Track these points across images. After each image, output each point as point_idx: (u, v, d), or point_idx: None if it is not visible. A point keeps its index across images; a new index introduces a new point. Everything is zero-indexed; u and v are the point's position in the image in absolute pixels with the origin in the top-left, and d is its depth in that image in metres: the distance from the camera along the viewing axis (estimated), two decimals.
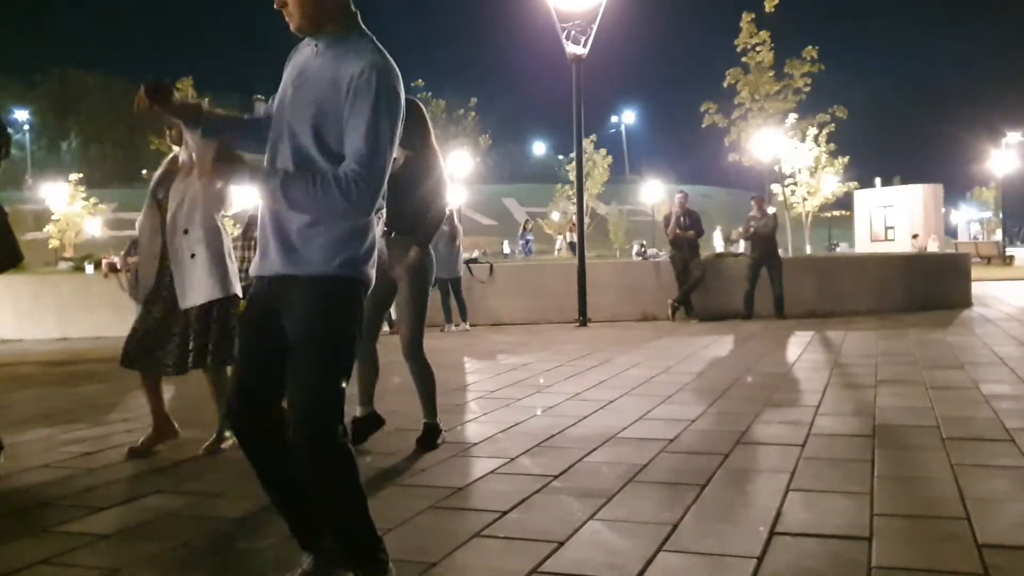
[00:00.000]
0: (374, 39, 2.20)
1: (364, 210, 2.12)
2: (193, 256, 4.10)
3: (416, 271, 4.09)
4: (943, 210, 39.66)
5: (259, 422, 2.28)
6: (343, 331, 2.20)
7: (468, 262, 12.43)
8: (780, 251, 12.40)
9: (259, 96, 2.53)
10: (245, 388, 2.30)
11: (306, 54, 2.24)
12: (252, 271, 2.32)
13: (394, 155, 2.17)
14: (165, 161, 4.41)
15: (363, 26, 2.22)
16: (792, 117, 25.00)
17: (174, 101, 2.20)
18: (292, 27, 2.19)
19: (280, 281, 2.20)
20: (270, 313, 2.24)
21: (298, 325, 2.18)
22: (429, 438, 4.20)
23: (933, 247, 29.33)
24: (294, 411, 2.17)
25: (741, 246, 14.72)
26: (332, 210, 2.11)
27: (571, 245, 17.45)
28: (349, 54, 2.13)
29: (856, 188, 34.34)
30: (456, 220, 11.74)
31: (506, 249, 20.70)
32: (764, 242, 11.72)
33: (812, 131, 26.35)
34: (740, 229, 13.21)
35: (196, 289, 4.10)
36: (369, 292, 2.30)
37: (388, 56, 2.17)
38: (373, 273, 2.28)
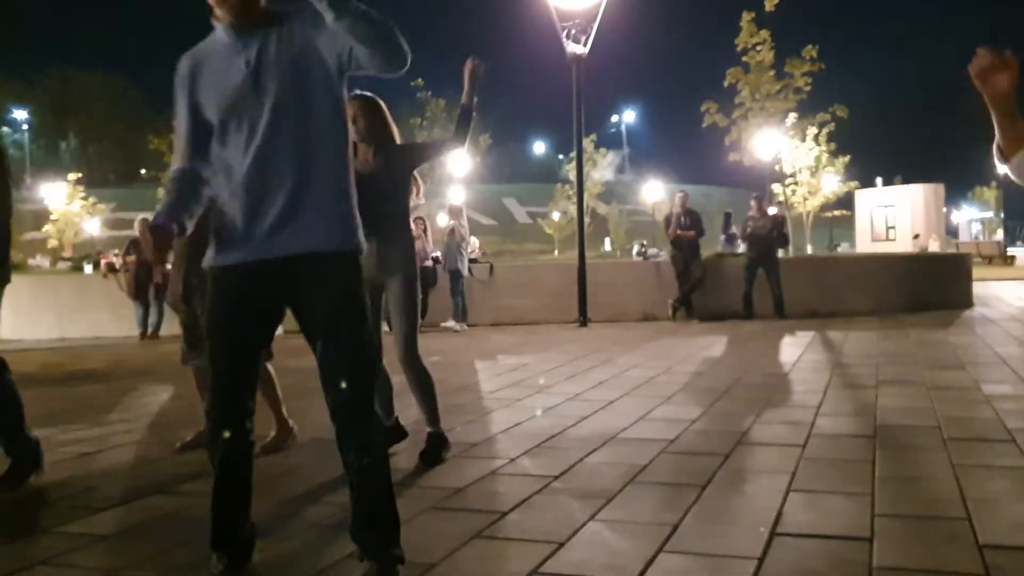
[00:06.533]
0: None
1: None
2: None
3: (407, 271, 3.90)
4: (944, 210, 39.63)
5: (241, 417, 2.36)
6: (365, 300, 2.39)
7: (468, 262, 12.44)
8: (780, 252, 12.40)
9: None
10: (234, 389, 2.35)
11: (230, 56, 2.30)
12: (237, 261, 2.32)
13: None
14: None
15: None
16: (792, 116, 25.02)
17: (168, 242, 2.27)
18: (234, 16, 2.28)
19: (308, 259, 2.29)
20: (264, 300, 2.34)
21: (334, 301, 2.29)
22: (435, 450, 3.86)
23: (934, 247, 29.34)
24: (349, 385, 2.28)
25: (740, 247, 14.68)
26: (398, 49, 2.20)
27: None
28: (273, 23, 2.29)
29: (857, 187, 34.36)
30: (461, 218, 11.81)
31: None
32: (761, 243, 11.71)
33: (812, 130, 26.37)
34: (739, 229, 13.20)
35: None
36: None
37: None
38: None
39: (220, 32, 2.34)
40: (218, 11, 2.30)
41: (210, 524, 2.40)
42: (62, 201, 42.54)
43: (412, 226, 4.11)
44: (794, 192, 28.34)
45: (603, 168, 46.71)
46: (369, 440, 2.32)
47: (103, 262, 15.25)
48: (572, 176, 21.70)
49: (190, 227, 2.32)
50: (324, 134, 2.31)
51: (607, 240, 55.13)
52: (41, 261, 31.80)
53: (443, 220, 25.58)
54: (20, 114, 75.34)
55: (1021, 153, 1.96)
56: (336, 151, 2.34)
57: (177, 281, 4.29)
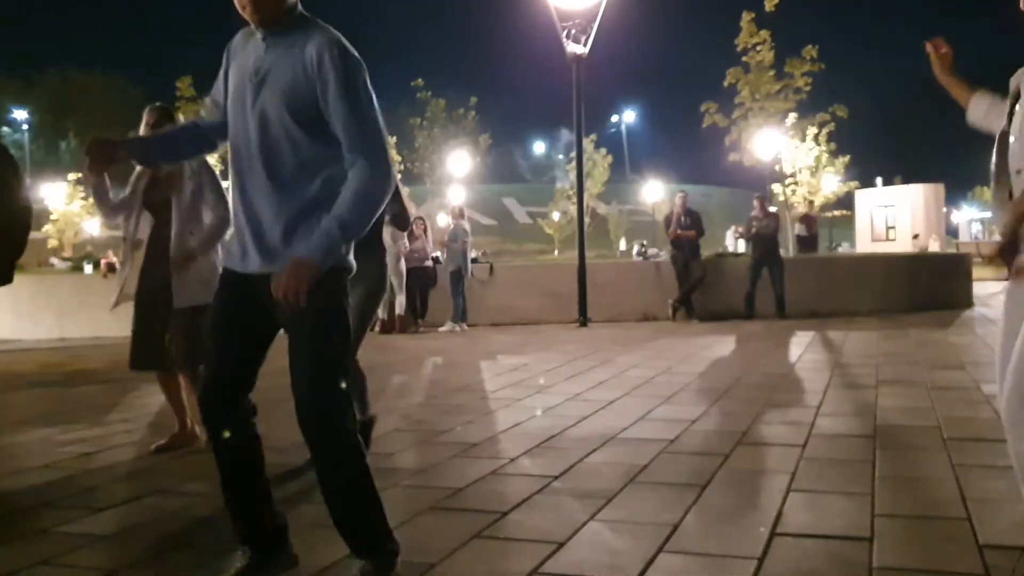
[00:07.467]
0: (314, 19, 2.31)
1: (389, 162, 2.26)
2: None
3: (371, 281, 3.90)
4: (944, 210, 39.59)
5: (232, 415, 2.38)
6: (338, 319, 2.31)
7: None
8: (781, 250, 12.41)
9: None
10: (221, 383, 2.37)
11: (252, 50, 2.30)
12: (230, 266, 2.37)
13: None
14: (141, 170, 4.38)
15: (302, 9, 2.33)
16: (792, 116, 25.00)
17: (109, 156, 2.36)
18: (254, 23, 2.26)
19: (267, 278, 2.23)
20: (250, 307, 2.33)
21: (296, 319, 2.23)
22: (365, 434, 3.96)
23: (934, 247, 29.30)
24: (303, 396, 2.24)
25: (741, 246, 14.67)
26: (385, 192, 2.23)
27: (799, 240, 15.82)
28: (301, 40, 2.24)
29: (857, 187, 34.33)
30: (462, 219, 11.85)
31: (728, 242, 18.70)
32: (766, 242, 11.72)
33: (812, 130, 26.33)
34: (742, 228, 13.21)
35: (196, 289, 4.11)
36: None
37: (333, 29, 2.27)
38: (353, 258, 2.35)
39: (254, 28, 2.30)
40: (244, 15, 2.28)
41: (231, 521, 2.43)
42: (62, 201, 42.49)
43: (386, 236, 4.07)
44: (794, 192, 28.28)
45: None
46: (323, 443, 2.29)
47: (103, 262, 15.26)
48: (572, 176, 21.65)
49: (163, 164, 2.34)
50: (307, 155, 2.24)
51: (622, 241, 54.09)
52: (56, 262, 31.63)
53: (443, 220, 25.61)
54: (20, 114, 75.22)
55: (971, 100, 2.65)
56: (320, 175, 2.25)
57: (132, 282, 4.29)
